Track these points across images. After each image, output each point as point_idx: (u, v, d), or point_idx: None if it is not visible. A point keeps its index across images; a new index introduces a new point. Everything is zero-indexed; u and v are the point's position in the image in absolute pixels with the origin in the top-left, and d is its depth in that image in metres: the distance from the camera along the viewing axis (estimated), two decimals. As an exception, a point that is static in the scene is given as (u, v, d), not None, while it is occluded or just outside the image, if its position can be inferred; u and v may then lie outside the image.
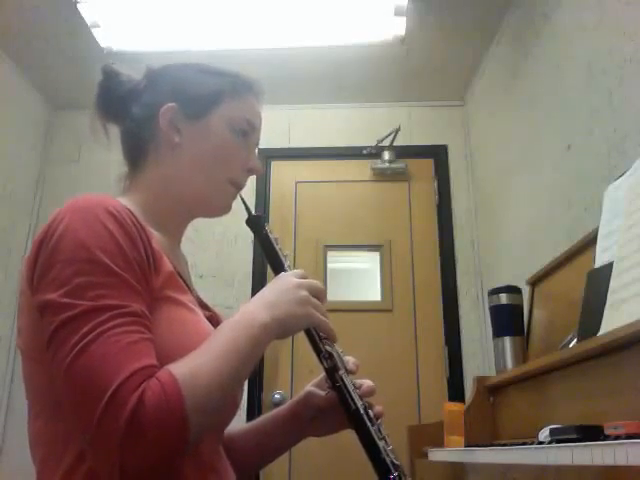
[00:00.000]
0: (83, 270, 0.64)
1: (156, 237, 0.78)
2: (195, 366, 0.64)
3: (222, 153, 0.88)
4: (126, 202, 0.77)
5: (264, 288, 0.78)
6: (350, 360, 0.86)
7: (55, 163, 2.93)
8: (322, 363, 0.82)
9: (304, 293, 0.77)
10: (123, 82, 0.90)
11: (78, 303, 0.62)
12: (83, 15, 2.33)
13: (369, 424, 0.80)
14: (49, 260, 0.66)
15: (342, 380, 0.81)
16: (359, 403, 0.81)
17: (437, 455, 1.36)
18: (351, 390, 0.81)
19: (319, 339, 0.82)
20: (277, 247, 0.88)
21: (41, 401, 0.71)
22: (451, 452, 1.28)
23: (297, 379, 2.53)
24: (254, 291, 2.66)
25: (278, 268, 0.85)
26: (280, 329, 0.74)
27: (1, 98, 2.62)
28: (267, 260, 0.88)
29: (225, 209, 0.91)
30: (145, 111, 0.88)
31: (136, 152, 0.89)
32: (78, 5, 2.28)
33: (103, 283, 0.64)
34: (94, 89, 0.91)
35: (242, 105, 0.90)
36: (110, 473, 0.60)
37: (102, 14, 2.36)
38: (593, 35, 1.61)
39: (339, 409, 0.83)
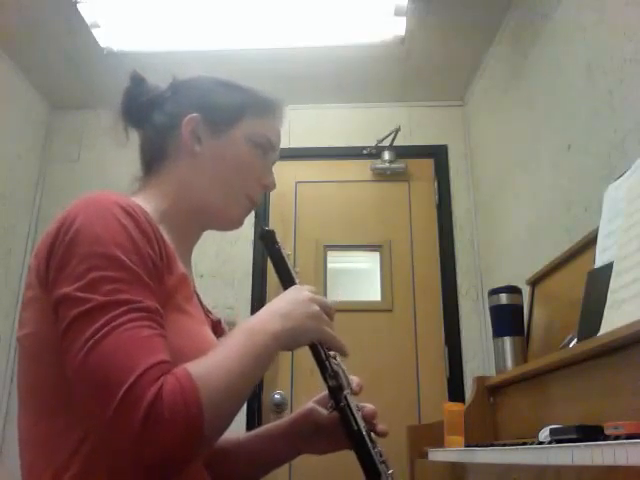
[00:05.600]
0: (98, 265, 0.64)
1: (168, 239, 0.79)
2: (211, 366, 0.65)
3: (241, 167, 0.89)
4: (139, 202, 0.77)
5: (276, 299, 0.79)
6: (354, 380, 0.86)
7: (55, 163, 2.93)
8: (326, 382, 0.82)
9: (316, 308, 0.78)
10: (149, 89, 0.92)
11: (92, 297, 0.63)
12: (83, 15, 2.33)
13: (370, 446, 0.80)
14: (65, 255, 0.66)
15: (346, 400, 0.81)
16: (362, 424, 0.80)
17: (437, 455, 1.36)
18: (354, 411, 0.81)
19: (325, 357, 0.82)
20: (289, 263, 0.88)
21: (34, 398, 0.71)
22: (451, 452, 1.27)
23: (297, 379, 2.53)
24: (254, 291, 2.66)
25: (288, 284, 0.85)
26: (290, 340, 0.75)
27: (1, 98, 2.62)
28: (277, 275, 0.88)
29: (238, 223, 0.93)
30: (168, 119, 0.89)
31: (154, 157, 0.90)
32: (78, 5, 2.28)
33: (118, 278, 0.64)
34: (119, 94, 0.92)
35: (264, 123, 0.92)
36: (126, 467, 0.60)
37: (102, 14, 2.36)
38: (593, 35, 1.61)
39: (339, 429, 0.82)
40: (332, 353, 0.83)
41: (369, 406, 0.87)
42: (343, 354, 0.82)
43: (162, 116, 0.90)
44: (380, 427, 0.86)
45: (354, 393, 0.84)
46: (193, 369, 0.63)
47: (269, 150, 0.93)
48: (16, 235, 2.69)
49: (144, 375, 0.60)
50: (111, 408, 0.58)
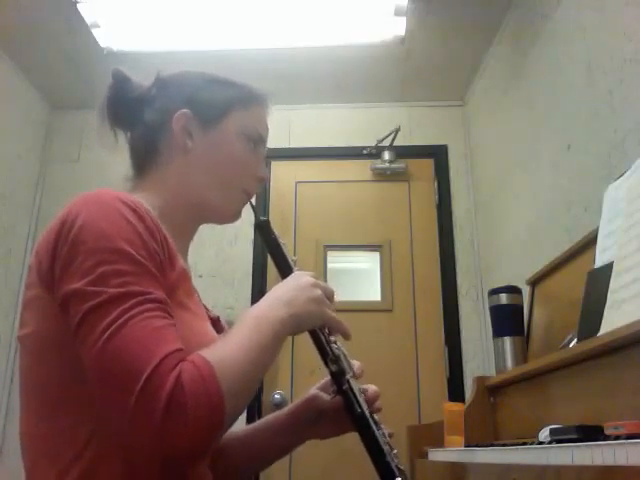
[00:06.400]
0: (107, 259, 0.65)
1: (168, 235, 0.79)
2: (224, 353, 0.66)
3: (234, 161, 0.90)
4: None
5: (278, 285, 0.79)
6: (355, 364, 0.87)
7: (55, 163, 2.93)
8: (328, 366, 0.82)
9: (319, 292, 0.79)
10: (133, 87, 0.91)
11: (103, 290, 0.63)
12: (83, 15, 2.33)
13: (374, 428, 0.80)
14: (71, 252, 0.66)
15: (349, 383, 0.81)
16: (365, 407, 0.81)
17: (437, 455, 1.36)
18: (357, 394, 0.82)
19: (326, 342, 0.82)
20: (285, 252, 0.89)
21: (38, 397, 0.71)
22: (451, 452, 1.27)
23: (297, 379, 2.53)
24: (254, 291, 2.66)
25: (287, 272, 0.86)
26: (295, 325, 0.76)
27: (1, 98, 2.62)
28: (275, 265, 0.88)
29: (235, 216, 0.93)
30: (157, 116, 0.89)
31: (145, 155, 0.90)
32: (78, 5, 2.28)
33: (127, 271, 0.65)
34: (103, 93, 0.91)
35: (252, 116, 0.92)
36: (150, 456, 0.60)
37: (102, 14, 2.36)
38: (593, 35, 1.61)
39: (342, 413, 0.83)
40: (332, 338, 0.83)
41: (372, 388, 0.88)
42: (346, 337, 0.83)
43: (151, 113, 0.90)
44: (377, 404, 0.87)
45: (355, 377, 0.84)
46: (209, 356, 0.64)
47: (259, 142, 0.93)
48: (16, 235, 2.69)
49: (161, 364, 0.60)
50: (132, 399, 0.58)
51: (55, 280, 0.67)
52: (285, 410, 0.96)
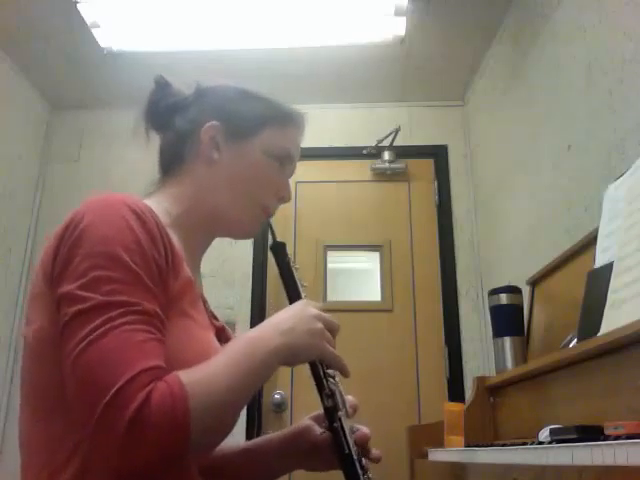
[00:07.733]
0: (101, 264, 0.64)
1: (177, 243, 0.78)
2: (204, 376, 0.65)
3: (258, 178, 0.90)
4: (150, 204, 0.77)
5: (281, 312, 0.78)
6: (349, 401, 0.85)
7: (55, 163, 2.93)
8: (322, 401, 0.81)
9: (320, 325, 0.77)
10: (172, 93, 0.93)
11: (91, 296, 0.63)
12: (83, 15, 2.33)
13: (360, 472, 0.79)
14: (69, 253, 0.66)
15: (340, 422, 0.80)
16: (353, 448, 0.80)
17: (437, 455, 1.36)
18: (347, 433, 0.80)
19: (323, 375, 0.81)
20: (297, 277, 0.88)
21: (37, 397, 0.71)
22: (451, 452, 1.27)
23: (297, 379, 2.52)
24: (254, 291, 2.67)
25: (294, 297, 0.85)
26: (290, 355, 0.74)
27: (1, 98, 2.62)
28: (284, 287, 0.88)
29: (252, 233, 0.93)
30: (188, 124, 0.90)
31: (172, 161, 0.91)
32: (78, 5, 2.28)
33: (118, 278, 0.64)
34: (145, 97, 0.93)
35: (284, 135, 0.92)
36: (107, 470, 0.60)
37: (102, 14, 2.36)
38: (593, 35, 1.61)
39: (332, 449, 0.81)
40: (331, 372, 0.82)
41: (363, 429, 0.86)
42: (344, 374, 0.81)
43: (183, 121, 0.91)
44: (374, 452, 0.85)
45: (348, 415, 0.82)
46: (186, 377, 0.63)
47: (287, 162, 0.93)
48: (16, 235, 2.69)
49: (134, 380, 0.59)
50: (97, 410, 0.58)
51: (53, 280, 0.68)
52: (279, 435, 0.94)
